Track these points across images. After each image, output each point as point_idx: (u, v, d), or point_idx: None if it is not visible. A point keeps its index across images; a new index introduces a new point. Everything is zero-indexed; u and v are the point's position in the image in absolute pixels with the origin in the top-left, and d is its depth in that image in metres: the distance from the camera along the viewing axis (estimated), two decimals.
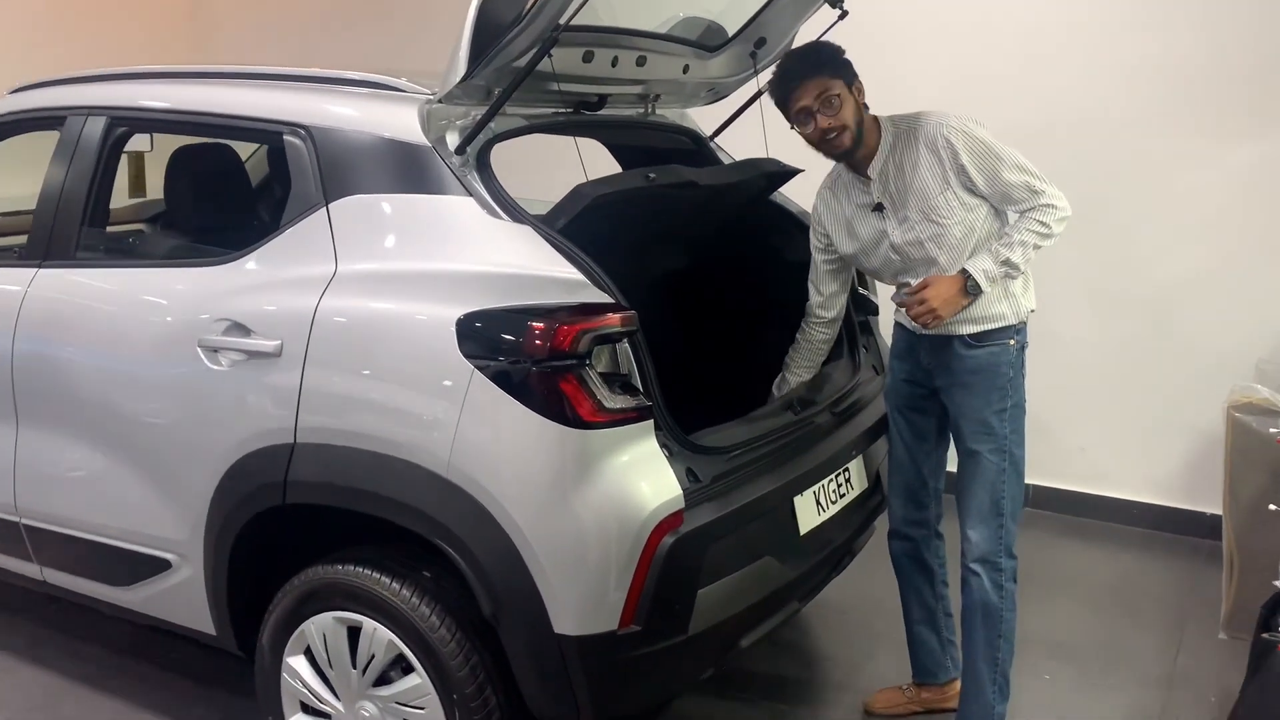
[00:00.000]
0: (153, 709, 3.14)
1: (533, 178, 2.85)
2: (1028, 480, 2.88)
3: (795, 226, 3.17)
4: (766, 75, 2.73)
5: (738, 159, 3.18)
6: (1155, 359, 4.29)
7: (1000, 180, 2.58)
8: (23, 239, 3.15)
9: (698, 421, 2.49)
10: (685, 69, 3.04)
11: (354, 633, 2.44)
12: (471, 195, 2.35)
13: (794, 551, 2.61)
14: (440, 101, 2.42)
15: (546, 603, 2.17)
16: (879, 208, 2.69)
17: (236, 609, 2.66)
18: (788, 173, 3.05)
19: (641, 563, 2.17)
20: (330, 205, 2.46)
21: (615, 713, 2.36)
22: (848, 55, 2.64)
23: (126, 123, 2.96)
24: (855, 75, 2.64)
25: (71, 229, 2.94)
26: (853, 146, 2.63)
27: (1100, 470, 4.50)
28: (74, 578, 3.03)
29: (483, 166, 2.41)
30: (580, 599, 2.17)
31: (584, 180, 2.49)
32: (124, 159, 3.20)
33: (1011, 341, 2.69)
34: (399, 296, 2.32)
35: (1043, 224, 2.57)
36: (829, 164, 2.80)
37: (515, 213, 2.33)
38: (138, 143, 3.24)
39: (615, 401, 2.18)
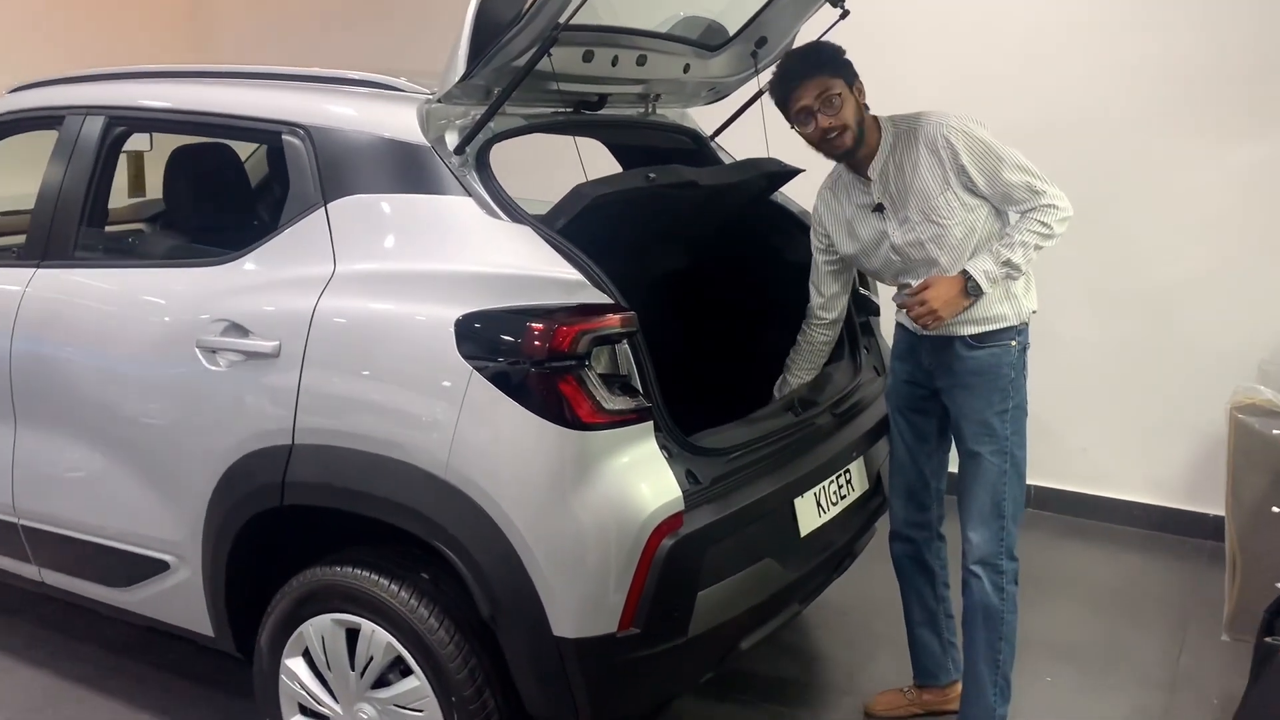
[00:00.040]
0: (151, 710, 3.13)
1: (532, 178, 2.84)
2: (1029, 481, 2.87)
3: (796, 227, 3.16)
4: (767, 75, 2.72)
5: (738, 159, 3.17)
6: (1157, 359, 4.28)
7: (1001, 180, 2.57)
8: (21, 239, 3.14)
9: (698, 423, 2.48)
10: (686, 68, 3.03)
11: (352, 635, 2.43)
12: (470, 195, 2.34)
13: (794, 553, 2.60)
14: (439, 101, 2.41)
15: (545, 605, 2.16)
16: (879, 208, 2.68)
17: (235, 610, 2.65)
18: (789, 173, 3.04)
19: (641, 565, 2.16)
20: (329, 205, 2.45)
21: (614, 716, 2.35)
22: (848, 55, 2.63)
23: (124, 122, 2.95)
24: (856, 75, 2.63)
25: (70, 229, 2.93)
26: (853, 146, 2.62)
27: (1102, 471, 4.49)
28: (72, 579, 3.03)
29: (482, 166, 2.40)
30: (579, 601, 2.16)
31: (584, 180, 2.48)
32: (124, 158, 3.20)
33: (1013, 343, 2.68)
34: (397, 297, 2.31)
35: (1044, 224, 2.55)
36: (830, 164, 2.79)
37: (514, 213, 2.33)
38: (137, 142, 3.24)
39: (614, 403, 2.17)
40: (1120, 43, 4.18)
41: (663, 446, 2.25)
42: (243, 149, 3.53)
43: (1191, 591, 3.88)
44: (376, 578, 2.36)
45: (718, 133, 3.34)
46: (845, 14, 3.00)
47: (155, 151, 3.33)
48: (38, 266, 2.96)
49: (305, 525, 2.53)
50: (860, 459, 2.94)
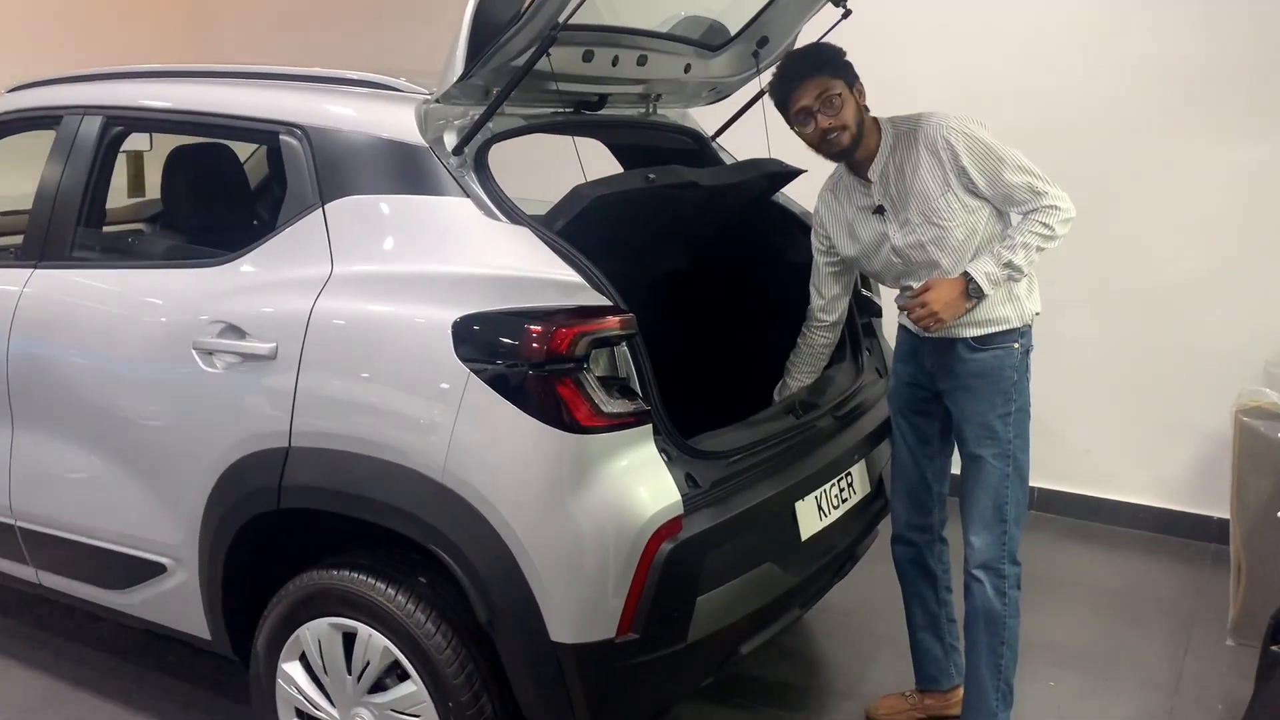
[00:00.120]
0: (151, 711, 3.12)
1: (531, 178, 2.82)
2: (1032, 483, 2.85)
3: (797, 227, 3.14)
4: (769, 75, 2.71)
5: (739, 159, 3.16)
6: (1160, 360, 4.27)
7: (1002, 181, 2.55)
8: (19, 239, 3.13)
9: (697, 425, 2.46)
10: (687, 68, 3.01)
11: (349, 639, 2.42)
12: (469, 196, 2.32)
13: (795, 557, 2.58)
14: (438, 101, 2.39)
15: (543, 610, 2.14)
16: (880, 210, 2.67)
17: (231, 614, 2.63)
18: (790, 173, 3.02)
19: (639, 569, 2.14)
20: (326, 206, 2.44)
21: None
22: (848, 57, 2.61)
23: (122, 122, 2.94)
24: (856, 76, 2.62)
25: (67, 229, 2.92)
26: (851, 146, 2.60)
27: (1106, 473, 4.47)
28: (69, 581, 3.01)
29: (480, 167, 2.38)
30: (577, 606, 2.15)
31: (583, 180, 2.46)
32: (123, 158, 3.19)
33: (1016, 345, 2.66)
34: (395, 299, 2.29)
35: (1046, 225, 2.53)
36: (831, 165, 2.77)
37: (513, 214, 2.31)
38: (137, 142, 3.22)
39: (613, 405, 2.15)
40: (1120, 43, 4.16)
41: (662, 450, 2.23)
42: (242, 149, 3.51)
43: (1196, 595, 3.86)
44: (373, 582, 2.34)
45: (719, 133, 3.32)
46: (847, 13, 2.98)
47: (155, 151, 3.32)
48: (35, 267, 2.95)
49: (302, 529, 2.52)
50: (862, 462, 2.92)
